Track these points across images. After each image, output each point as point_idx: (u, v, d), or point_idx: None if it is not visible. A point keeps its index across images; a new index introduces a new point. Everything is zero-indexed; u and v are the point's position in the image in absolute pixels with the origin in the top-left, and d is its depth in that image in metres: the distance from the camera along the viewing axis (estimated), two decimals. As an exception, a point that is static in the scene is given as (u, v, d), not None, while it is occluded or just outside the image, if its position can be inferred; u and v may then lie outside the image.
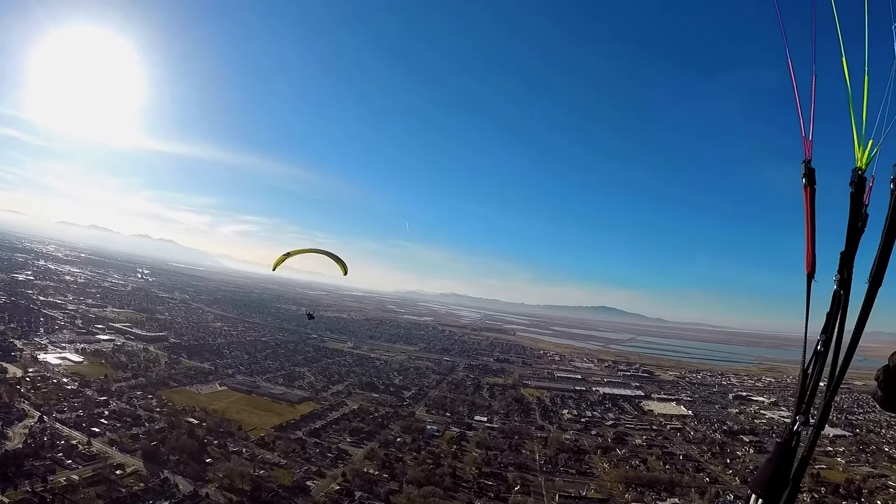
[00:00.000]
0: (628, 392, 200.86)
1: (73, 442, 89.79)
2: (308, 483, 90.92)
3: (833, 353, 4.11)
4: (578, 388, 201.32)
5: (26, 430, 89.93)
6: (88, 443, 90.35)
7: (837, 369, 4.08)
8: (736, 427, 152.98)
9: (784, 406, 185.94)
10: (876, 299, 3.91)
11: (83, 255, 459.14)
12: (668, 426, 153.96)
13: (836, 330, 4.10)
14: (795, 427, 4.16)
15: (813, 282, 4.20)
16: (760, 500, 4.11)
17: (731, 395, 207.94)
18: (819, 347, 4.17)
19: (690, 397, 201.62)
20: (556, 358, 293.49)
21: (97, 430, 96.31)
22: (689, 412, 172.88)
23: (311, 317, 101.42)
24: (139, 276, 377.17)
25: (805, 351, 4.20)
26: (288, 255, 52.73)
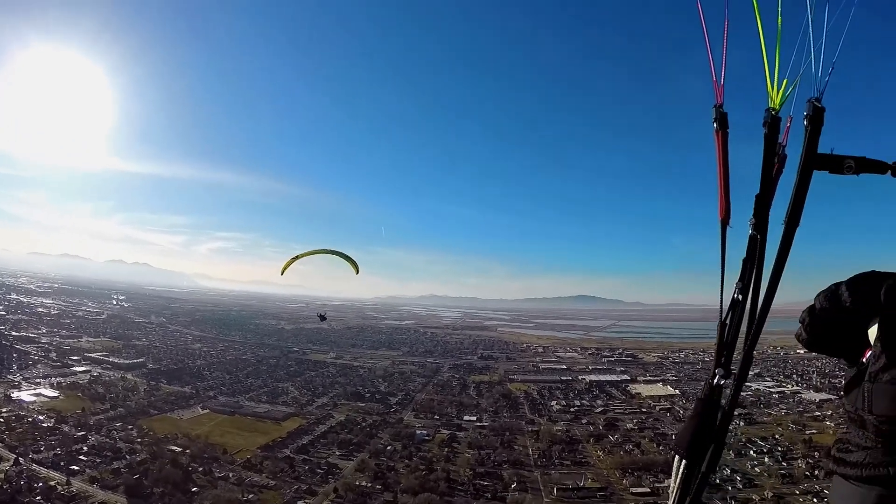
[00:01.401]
0: (614, 377, 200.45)
1: (52, 483, 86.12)
2: (299, 503, 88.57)
3: (751, 300, 3.07)
4: (564, 377, 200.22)
5: (1, 476, 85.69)
6: (68, 482, 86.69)
7: (756, 317, 3.10)
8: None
9: (768, 377, 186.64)
10: (793, 242, 3.16)
11: (56, 285, 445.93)
12: (658, 407, 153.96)
13: (752, 276, 3.10)
14: (715, 381, 3.11)
15: (728, 228, 3.14)
16: (684, 462, 3.27)
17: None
18: (736, 296, 3.07)
19: (676, 377, 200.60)
20: (540, 350, 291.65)
21: (76, 467, 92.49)
22: (677, 391, 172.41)
23: (322, 318, 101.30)
24: (114, 302, 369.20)
25: (722, 301, 3.11)
26: (296, 257, 52.70)
